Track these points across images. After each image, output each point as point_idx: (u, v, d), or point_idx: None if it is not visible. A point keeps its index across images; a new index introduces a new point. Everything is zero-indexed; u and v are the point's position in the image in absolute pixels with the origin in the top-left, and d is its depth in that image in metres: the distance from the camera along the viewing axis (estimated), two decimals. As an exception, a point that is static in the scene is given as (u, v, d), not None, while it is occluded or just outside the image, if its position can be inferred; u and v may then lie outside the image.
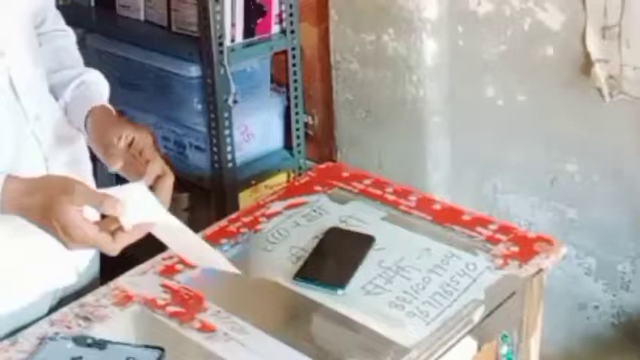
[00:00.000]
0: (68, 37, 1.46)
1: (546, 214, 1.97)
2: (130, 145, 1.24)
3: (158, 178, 1.21)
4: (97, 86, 1.38)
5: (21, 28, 1.27)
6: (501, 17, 1.90)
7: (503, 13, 1.89)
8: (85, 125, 1.31)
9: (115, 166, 1.20)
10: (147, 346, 1.18)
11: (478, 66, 1.98)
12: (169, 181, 1.22)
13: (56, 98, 1.37)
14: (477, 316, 1.28)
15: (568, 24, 1.82)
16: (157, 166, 1.22)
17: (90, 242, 1.11)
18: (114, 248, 1.13)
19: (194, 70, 2.26)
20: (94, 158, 1.41)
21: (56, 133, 1.32)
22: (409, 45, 1.97)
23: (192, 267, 1.38)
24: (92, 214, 1.15)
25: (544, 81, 1.89)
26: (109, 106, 1.35)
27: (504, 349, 1.40)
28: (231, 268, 1.28)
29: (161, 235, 1.22)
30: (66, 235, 1.10)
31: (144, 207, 1.16)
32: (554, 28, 1.83)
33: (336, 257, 1.38)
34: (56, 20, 1.45)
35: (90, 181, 1.41)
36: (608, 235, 1.94)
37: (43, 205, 1.11)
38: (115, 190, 1.15)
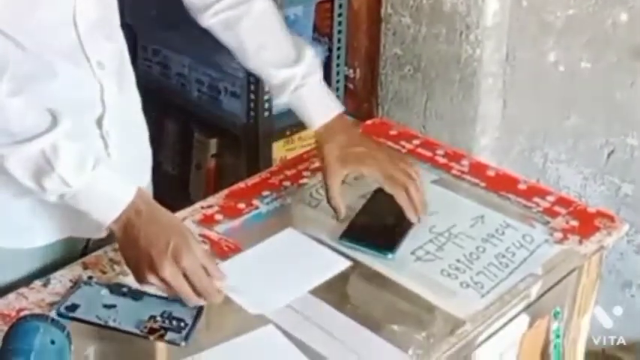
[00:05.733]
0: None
1: (599, 188, 1.89)
2: None
3: None
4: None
5: None
6: (573, -23, 1.80)
7: (576, -27, 1.79)
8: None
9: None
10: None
11: (541, 28, 1.88)
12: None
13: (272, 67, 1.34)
14: (534, 292, 1.23)
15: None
16: None
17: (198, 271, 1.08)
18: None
19: (236, 13, 2.17)
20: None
21: (120, 84, 1.23)
22: (469, 1, 1.88)
23: (231, 218, 1.32)
24: None
25: (612, 49, 1.80)
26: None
27: (554, 325, 1.34)
28: None
29: None
30: (174, 256, 1.06)
31: None
32: (632, -8, 1.73)
33: (384, 219, 1.31)
34: None
35: (147, 147, 1.36)
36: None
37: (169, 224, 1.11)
38: None
